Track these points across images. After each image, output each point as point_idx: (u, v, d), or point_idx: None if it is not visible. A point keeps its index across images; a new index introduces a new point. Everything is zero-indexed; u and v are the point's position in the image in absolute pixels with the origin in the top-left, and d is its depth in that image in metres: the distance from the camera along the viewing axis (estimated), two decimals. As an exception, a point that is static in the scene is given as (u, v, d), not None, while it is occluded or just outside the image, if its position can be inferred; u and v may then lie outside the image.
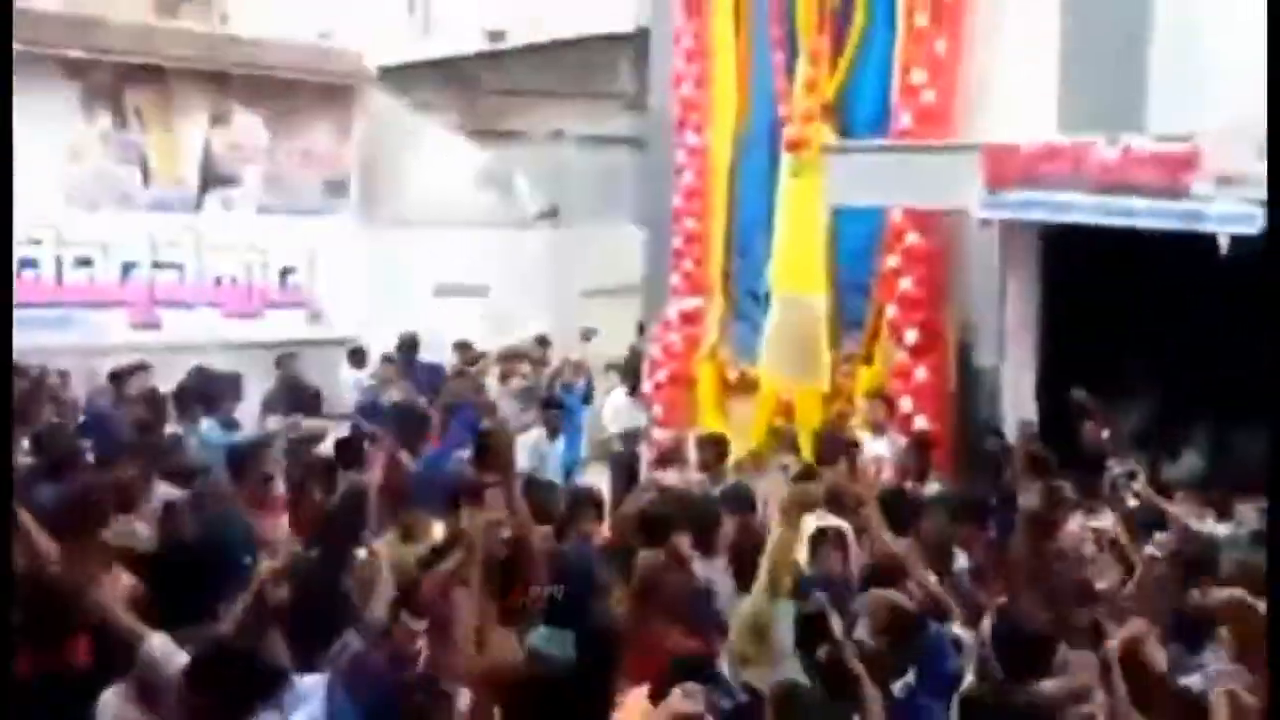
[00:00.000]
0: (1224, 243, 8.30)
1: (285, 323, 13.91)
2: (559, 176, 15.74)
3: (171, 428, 9.70)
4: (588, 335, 14.08)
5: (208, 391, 10.67)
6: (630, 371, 13.48)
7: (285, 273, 14.02)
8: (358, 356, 13.93)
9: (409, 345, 13.62)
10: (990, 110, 10.76)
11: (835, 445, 9.33)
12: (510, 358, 13.70)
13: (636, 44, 15.14)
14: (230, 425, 10.25)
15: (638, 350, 13.92)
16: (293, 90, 13.82)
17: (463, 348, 13.70)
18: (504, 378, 13.56)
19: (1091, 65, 10.29)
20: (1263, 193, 8.12)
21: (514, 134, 15.94)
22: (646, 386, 13.21)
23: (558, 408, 11.87)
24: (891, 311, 11.09)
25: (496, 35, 22.14)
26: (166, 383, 11.03)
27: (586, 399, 13.43)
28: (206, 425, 10.11)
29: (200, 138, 13.42)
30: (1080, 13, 10.35)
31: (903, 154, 10.72)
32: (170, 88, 13.40)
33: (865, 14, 11.57)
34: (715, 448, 9.72)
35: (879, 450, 9.89)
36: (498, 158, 15.54)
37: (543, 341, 14.30)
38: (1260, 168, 8.18)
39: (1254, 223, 8.18)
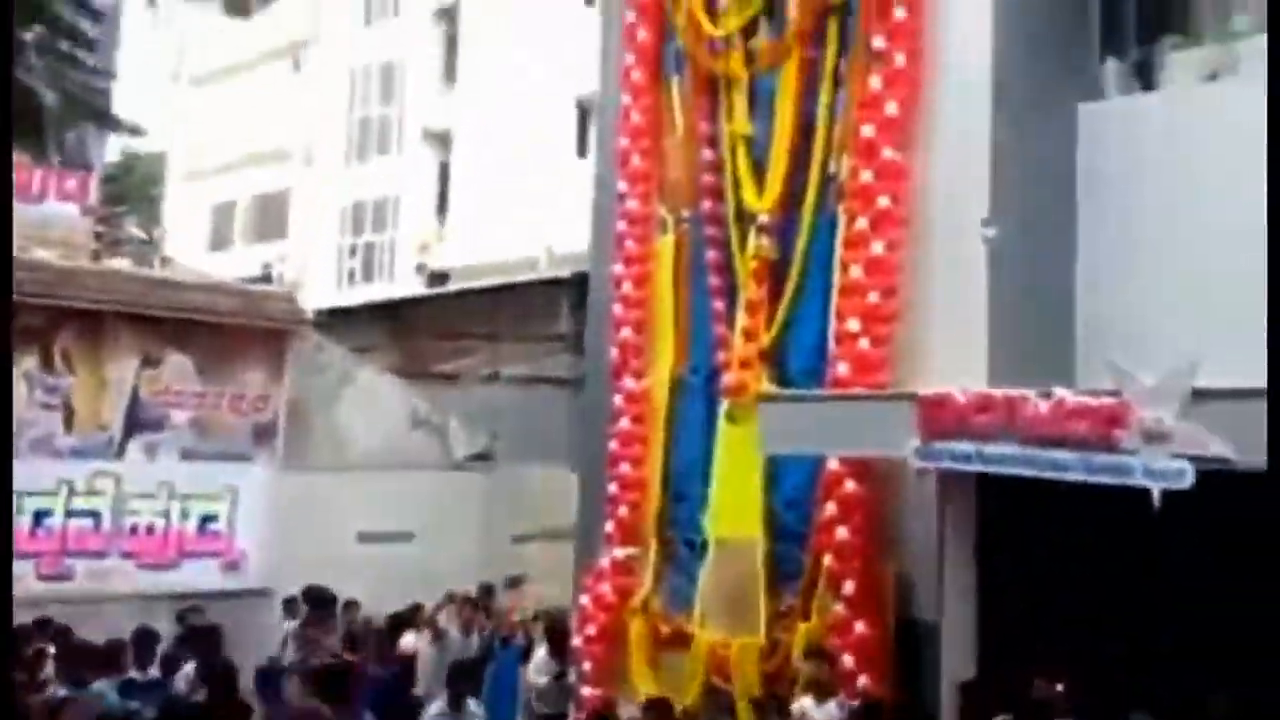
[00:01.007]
0: (1156, 497, 8.29)
1: (200, 573, 13.49)
2: (494, 419, 15.70)
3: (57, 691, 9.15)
4: (516, 582, 13.79)
5: (100, 651, 10.15)
6: (555, 625, 13.04)
7: (205, 520, 13.68)
8: (290, 607, 13.55)
9: (325, 600, 13.27)
10: (924, 360, 10.84)
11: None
12: (463, 602, 13.37)
13: (576, 288, 15.30)
14: (129, 688, 9.70)
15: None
16: (226, 333, 13.76)
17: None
18: (466, 626, 13.18)
19: (1019, 320, 10.49)
20: (1189, 449, 8.19)
21: (450, 376, 15.95)
22: (575, 640, 12.80)
23: (477, 667, 11.39)
24: (829, 561, 10.88)
25: (438, 278, 22.54)
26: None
27: (525, 654, 12.98)
28: (101, 687, 9.54)
29: (129, 381, 13.26)
30: (1007, 270, 10.60)
31: (838, 403, 10.73)
32: (101, 330, 13.29)
33: (802, 265, 11.79)
34: (659, 714, 9.34)
35: (825, 717, 9.52)
36: (432, 400, 15.49)
37: (488, 590, 13.94)
38: (1184, 425, 8.27)
39: (1183, 478, 8.23)
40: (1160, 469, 8.38)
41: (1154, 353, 8.88)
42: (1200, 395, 8.21)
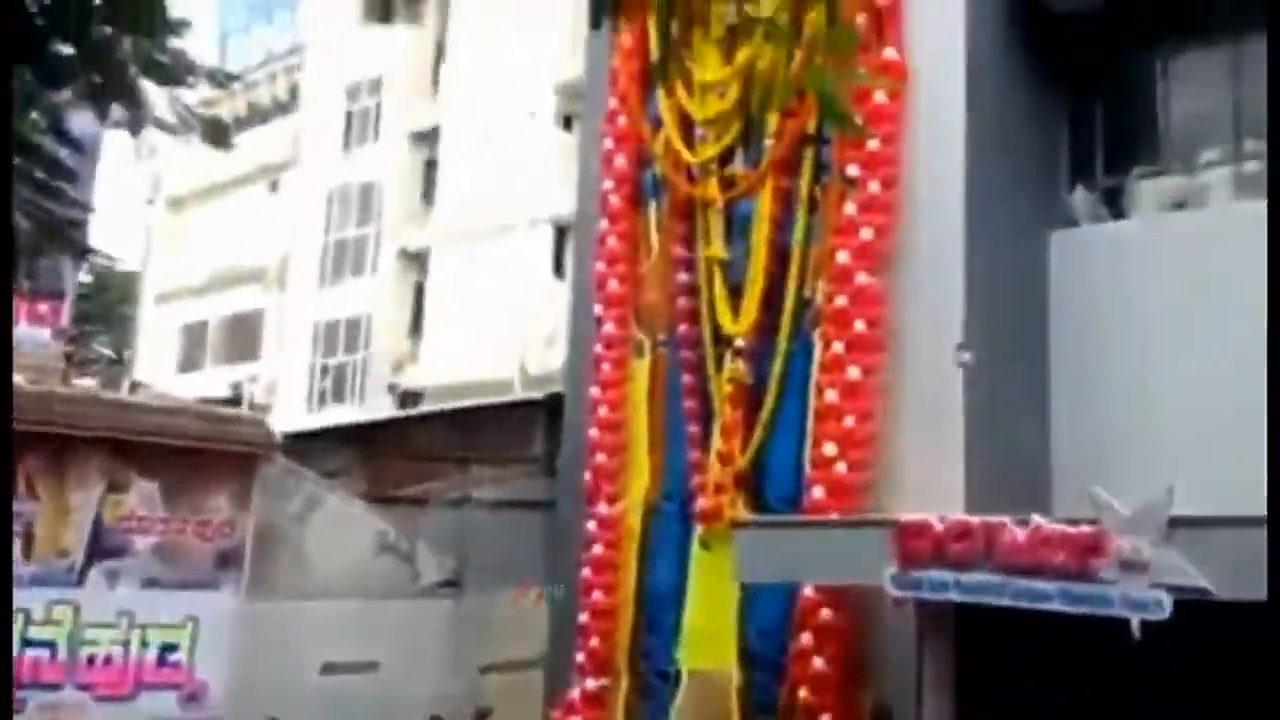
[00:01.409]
0: (1135, 627, 8.17)
1: (159, 704, 13.06)
2: (464, 544, 15.46)
3: None
4: (483, 715, 13.47)
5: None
6: None
7: (165, 650, 13.31)
8: None
9: None
10: (902, 485, 10.76)
11: None
12: None
13: (550, 410, 15.19)
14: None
15: None
16: (194, 458, 13.56)
17: None
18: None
19: (997, 446, 10.45)
20: (1167, 579, 8.09)
21: (419, 500, 15.76)
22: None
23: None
24: (805, 693, 10.65)
25: (411, 398, 22.43)
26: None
27: None
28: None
29: (92, 507, 13.00)
30: (984, 396, 10.60)
31: (814, 530, 10.58)
32: (69, 455, 13.06)
33: (778, 389, 11.74)
34: None
35: None
36: (401, 525, 15.28)
37: None
38: (1162, 554, 8.18)
39: (1162, 609, 8.13)
40: (1139, 599, 8.29)
41: (1129, 480, 8.84)
42: (1177, 524, 8.14)
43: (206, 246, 29.04)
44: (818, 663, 10.60)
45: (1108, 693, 9.79)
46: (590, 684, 12.49)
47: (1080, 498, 8.85)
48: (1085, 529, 8.57)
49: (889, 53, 11.24)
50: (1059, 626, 8.90)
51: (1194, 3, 11.07)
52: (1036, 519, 8.91)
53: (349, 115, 26.02)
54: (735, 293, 12.20)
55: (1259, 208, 10.70)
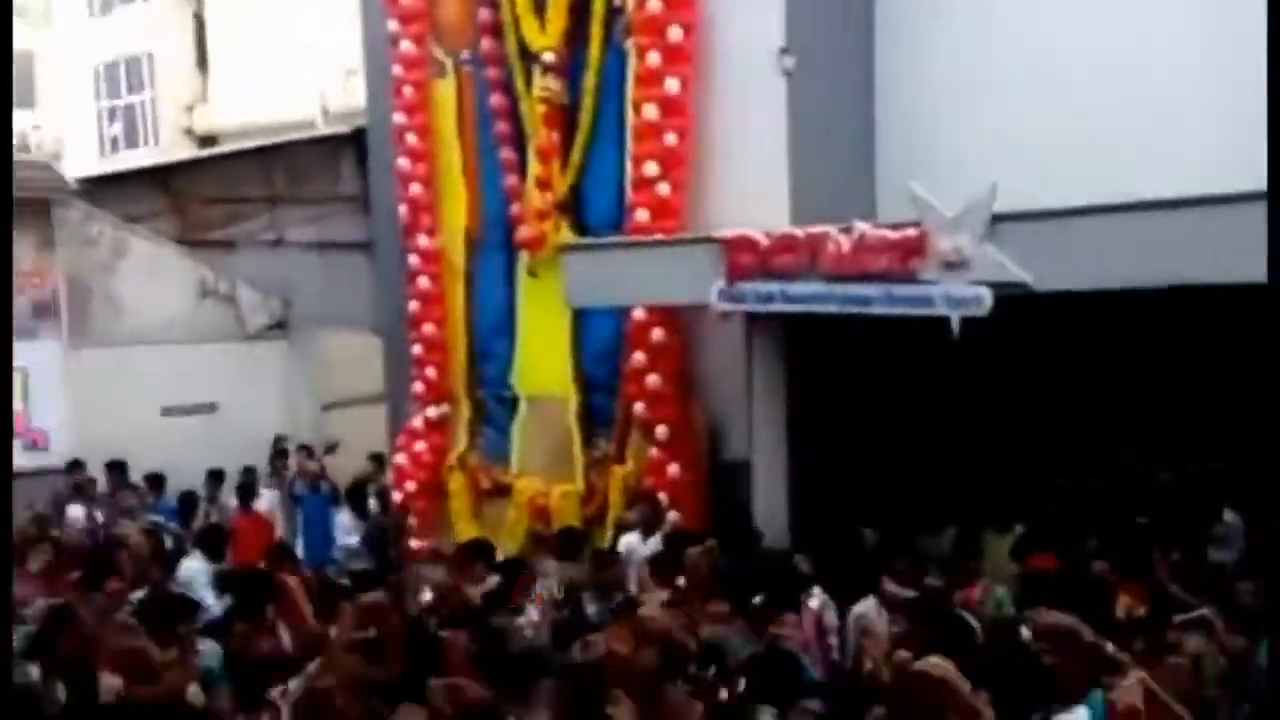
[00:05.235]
0: (955, 324, 8.39)
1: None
2: (285, 287, 15.10)
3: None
4: (331, 448, 13.63)
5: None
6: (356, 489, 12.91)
7: (-2, 400, 12.93)
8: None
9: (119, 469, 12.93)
10: (727, 202, 10.62)
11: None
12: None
13: (358, 145, 14.66)
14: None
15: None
16: (-16, 207, 12.75)
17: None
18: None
19: (821, 157, 10.44)
20: (989, 274, 8.28)
21: (230, 243, 15.23)
22: (395, 497, 12.65)
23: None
24: (640, 408, 10.88)
25: (208, 140, 21.34)
26: None
27: (335, 499, 12.75)
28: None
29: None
30: (807, 106, 10.48)
31: (640, 250, 10.54)
32: None
33: (593, 107, 11.34)
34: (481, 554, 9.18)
35: (650, 550, 9.59)
36: (217, 269, 14.81)
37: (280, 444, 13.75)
38: (983, 249, 8.35)
39: (981, 305, 8.32)
40: (959, 296, 8.46)
41: (956, 178, 8.91)
42: (999, 219, 8.29)
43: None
44: (652, 380, 10.75)
45: (931, 391, 10.22)
46: (431, 411, 12.58)
47: (906, 201, 8.89)
48: (908, 232, 8.70)
49: None
50: (886, 331, 9.14)
51: None
52: (860, 226, 9.00)
53: None
54: (539, 3, 11.53)
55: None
